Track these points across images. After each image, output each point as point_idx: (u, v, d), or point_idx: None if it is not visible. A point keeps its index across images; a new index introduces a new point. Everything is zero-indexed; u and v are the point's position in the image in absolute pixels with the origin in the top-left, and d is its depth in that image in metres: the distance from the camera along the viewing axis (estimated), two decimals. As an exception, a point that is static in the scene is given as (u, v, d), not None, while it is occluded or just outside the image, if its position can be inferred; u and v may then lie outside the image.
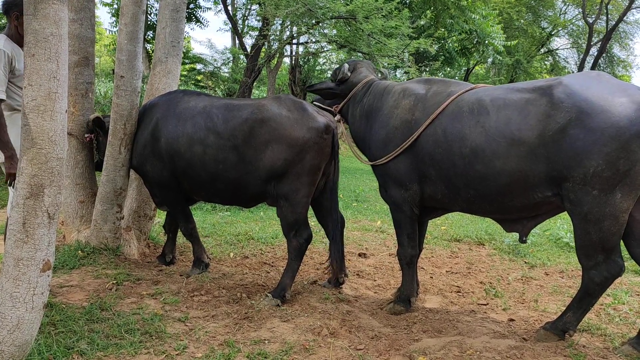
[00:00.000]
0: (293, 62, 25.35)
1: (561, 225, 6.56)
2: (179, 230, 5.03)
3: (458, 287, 4.80)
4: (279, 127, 4.17)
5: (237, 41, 17.49)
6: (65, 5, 2.68)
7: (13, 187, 3.79)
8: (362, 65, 4.65)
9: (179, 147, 4.44)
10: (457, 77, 32.46)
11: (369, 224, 7.71)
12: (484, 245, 6.53)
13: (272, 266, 5.32)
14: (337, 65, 6.11)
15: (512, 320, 4.00)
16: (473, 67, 29.67)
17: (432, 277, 5.07)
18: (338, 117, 4.56)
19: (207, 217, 7.63)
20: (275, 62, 18.49)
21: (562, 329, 3.54)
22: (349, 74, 4.52)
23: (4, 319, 2.71)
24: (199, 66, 23.32)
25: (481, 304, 4.35)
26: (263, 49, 14.70)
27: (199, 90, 5.25)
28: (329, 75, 4.82)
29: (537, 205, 3.49)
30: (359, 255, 5.85)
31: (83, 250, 4.87)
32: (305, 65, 26.07)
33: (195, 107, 4.52)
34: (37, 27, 2.61)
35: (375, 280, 4.97)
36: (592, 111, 3.14)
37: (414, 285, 4.17)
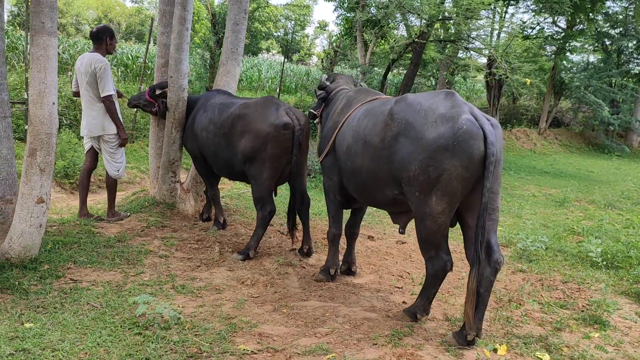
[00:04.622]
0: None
1: (595, 240, 6.18)
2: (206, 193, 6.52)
3: (408, 273, 5.33)
4: (251, 121, 5.30)
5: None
6: (53, 37, 4.26)
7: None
8: (340, 77, 5.44)
9: (199, 132, 5.89)
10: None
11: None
12: (506, 247, 6.61)
13: (281, 234, 6.44)
14: None
15: (404, 302, 4.52)
16: None
17: (397, 263, 5.65)
18: (317, 120, 5.44)
19: (282, 188, 8.93)
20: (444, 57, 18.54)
21: (413, 312, 4.05)
22: (327, 83, 5.36)
23: (15, 229, 4.46)
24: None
25: (397, 287, 4.89)
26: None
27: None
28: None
29: (397, 200, 4.03)
30: (368, 237, 6.59)
31: (148, 202, 6.66)
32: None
33: (214, 103, 5.89)
34: (33, 51, 4.24)
35: (348, 257, 5.74)
36: (415, 124, 3.63)
37: (336, 260, 4.94)
